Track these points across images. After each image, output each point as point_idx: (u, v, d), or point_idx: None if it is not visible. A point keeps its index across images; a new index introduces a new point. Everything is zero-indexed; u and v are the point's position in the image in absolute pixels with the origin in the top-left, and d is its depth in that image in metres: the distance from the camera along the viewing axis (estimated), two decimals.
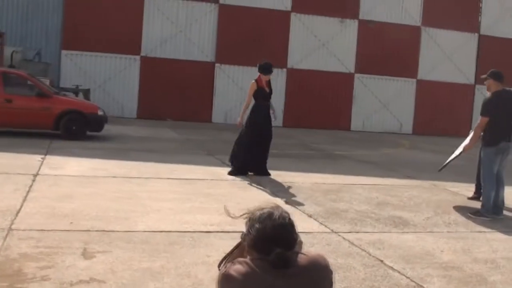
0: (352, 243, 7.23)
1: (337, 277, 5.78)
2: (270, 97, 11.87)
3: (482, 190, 9.79)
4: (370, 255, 6.79)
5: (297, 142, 20.34)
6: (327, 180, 11.90)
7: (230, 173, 11.68)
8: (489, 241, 7.88)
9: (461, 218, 9.16)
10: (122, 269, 5.59)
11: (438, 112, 28.49)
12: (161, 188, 9.90)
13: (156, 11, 25.67)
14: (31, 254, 5.86)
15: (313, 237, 7.33)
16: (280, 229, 2.80)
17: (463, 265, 6.64)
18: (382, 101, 28.29)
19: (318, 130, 25.91)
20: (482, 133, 9.55)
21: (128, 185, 9.95)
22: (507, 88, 9.47)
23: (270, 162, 12.33)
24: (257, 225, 2.82)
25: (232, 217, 3.16)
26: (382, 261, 6.58)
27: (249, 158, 11.70)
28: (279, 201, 9.37)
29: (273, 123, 12.14)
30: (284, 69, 26.94)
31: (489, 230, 8.51)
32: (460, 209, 9.91)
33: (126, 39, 25.20)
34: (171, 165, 12.39)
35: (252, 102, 11.85)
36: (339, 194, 10.48)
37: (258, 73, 11.73)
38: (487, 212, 9.25)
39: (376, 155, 17.83)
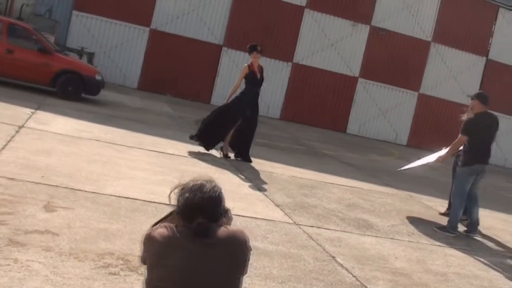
0: (310, 237, 7.41)
1: (285, 265, 6.01)
2: (260, 84, 12.07)
3: (451, 207, 9.98)
4: (324, 250, 6.98)
5: (290, 136, 20.48)
6: (305, 175, 12.04)
7: (191, 137, 12.02)
8: (446, 256, 8.07)
9: (425, 231, 9.32)
10: (79, 226, 5.78)
11: (434, 128, 28.60)
12: (140, 158, 10.06)
13: None
14: None
15: (274, 225, 7.53)
16: (207, 201, 3.01)
17: (412, 274, 6.83)
18: (381, 109, 28.42)
19: (314, 128, 26.09)
20: (461, 151, 9.73)
21: (108, 150, 10.12)
22: (489, 112, 9.63)
23: (256, 150, 12.56)
24: (187, 195, 3.02)
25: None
26: (334, 257, 6.77)
27: (219, 133, 11.88)
28: (251, 187, 9.59)
29: (264, 113, 12.31)
30: (290, 63, 27.07)
31: (450, 246, 8.68)
32: (428, 222, 10.10)
33: (138, 10, 25.23)
34: (156, 138, 12.53)
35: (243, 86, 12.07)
36: (313, 190, 10.65)
37: (251, 59, 11.96)
38: (453, 228, 9.43)
39: (363, 159, 17.97)
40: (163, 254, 2.90)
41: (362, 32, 27.70)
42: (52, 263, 4.75)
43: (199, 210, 2.97)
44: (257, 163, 12.04)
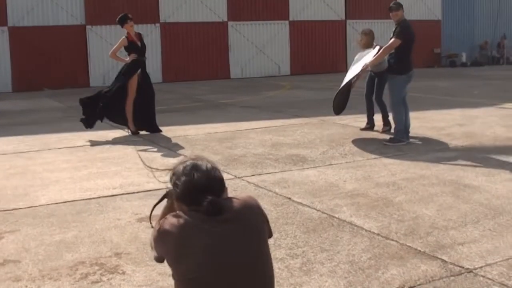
0: (258, 185, 7.36)
1: None
2: (144, 52, 11.76)
3: (392, 117, 9.98)
4: (277, 194, 6.93)
5: (181, 95, 20.26)
6: (219, 129, 11.99)
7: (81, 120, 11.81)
8: (386, 166, 8.23)
9: (355, 148, 9.52)
10: (35, 245, 5.41)
11: (313, 50, 29.14)
12: (54, 159, 9.58)
13: None
14: None
15: None
16: (207, 177, 2.80)
17: (367, 191, 6.90)
18: (258, 46, 28.52)
19: (198, 81, 25.95)
20: (389, 61, 9.82)
21: (19, 160, 9.57)
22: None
23: (160, 118, 12.28)
24: (183, 178, 2.78)
25: (152, 170, 3.19)
26: (290, 198, 6.73)
27: (104, 109, 11.65)
28: (173, 155, 9.38)
29: (152, 79, 12.16)
30: (157, 24, 26.59)
31: (384, 156, 8.89)
32: (353, 140, 10.28)
33: None
34: (59, 134, 12.01)
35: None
36: (233, 141, 10.61)
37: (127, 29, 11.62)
38: (402, 136, 9.65)
39: (259, 99, 18.07)
40: (183, 244, 2.68)
41: None
42: None
43: (203, 189, 2.75)
44: (168, 130, 11.93)
